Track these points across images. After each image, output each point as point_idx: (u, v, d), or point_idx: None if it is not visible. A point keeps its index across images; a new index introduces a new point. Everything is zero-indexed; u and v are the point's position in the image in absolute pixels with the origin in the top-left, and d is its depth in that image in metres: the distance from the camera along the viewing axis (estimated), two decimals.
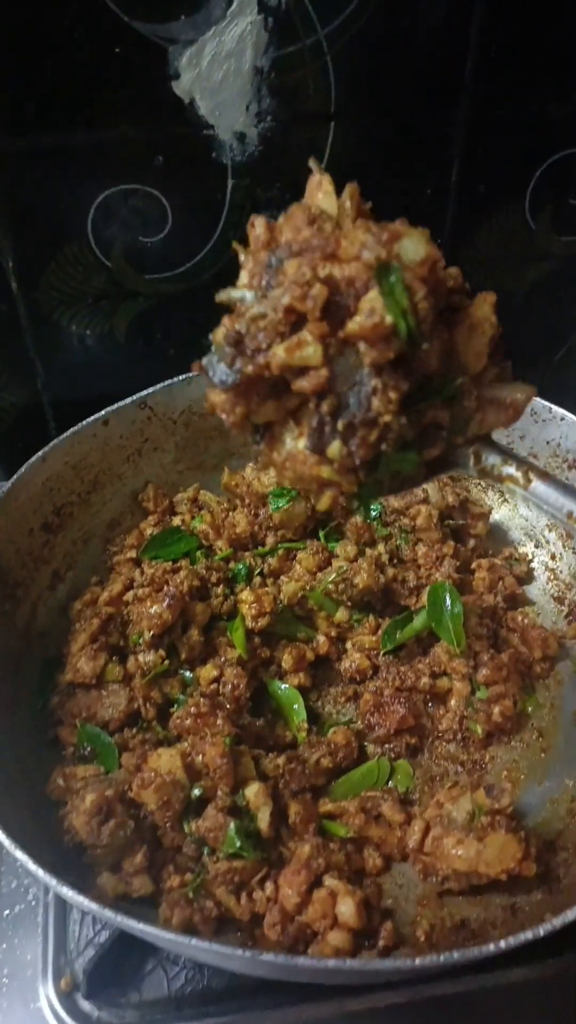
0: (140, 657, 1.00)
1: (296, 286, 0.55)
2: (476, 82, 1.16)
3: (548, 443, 1.14)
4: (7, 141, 1.10)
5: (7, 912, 0.97)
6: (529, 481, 0.64)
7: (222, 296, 0.60)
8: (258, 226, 0.63)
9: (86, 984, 0.87)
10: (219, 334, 0.59)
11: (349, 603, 1.07)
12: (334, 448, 0.57)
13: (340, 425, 0.56)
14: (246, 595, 1.06)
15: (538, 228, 1.32)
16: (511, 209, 1.30)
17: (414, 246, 0.55)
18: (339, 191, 0.65)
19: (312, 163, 0.68)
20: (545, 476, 0.63)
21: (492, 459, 0.65)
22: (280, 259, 0.57)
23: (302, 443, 0.59)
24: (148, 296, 1.28)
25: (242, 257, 0.62)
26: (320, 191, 0.65)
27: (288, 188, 1.19)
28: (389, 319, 0.53)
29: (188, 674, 1.01)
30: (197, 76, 1.08)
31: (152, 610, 1.00)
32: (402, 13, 1.08)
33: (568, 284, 1.41)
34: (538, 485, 0.63)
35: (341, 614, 1.07)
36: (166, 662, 0.99)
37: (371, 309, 0.53)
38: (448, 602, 1.02)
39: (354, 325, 0.54)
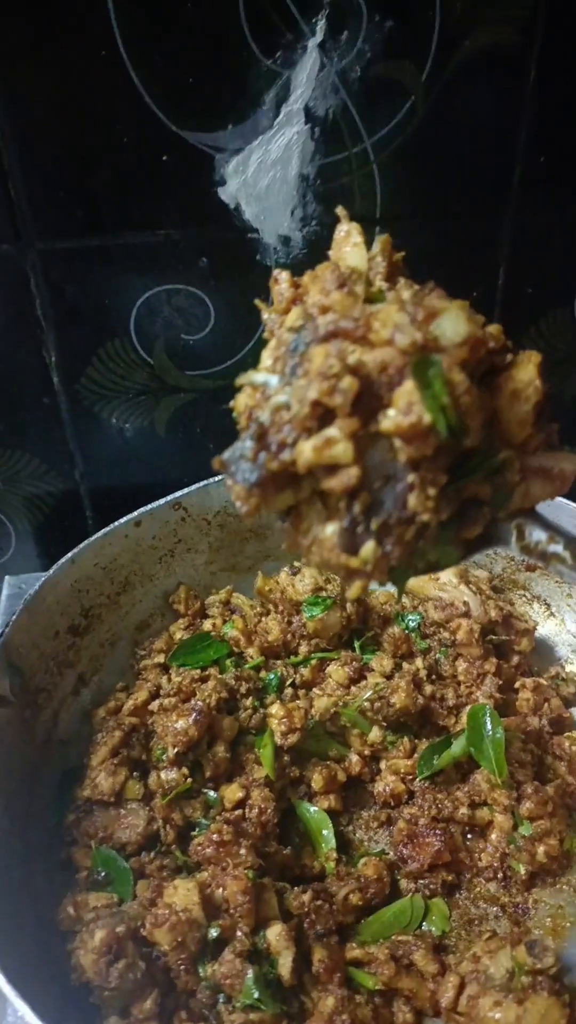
0: (162, 774, 0.95)
1: (323, 378, 0.49)
2: (525, 188, 1.15)
3: None
4: (56, 242, 1.11)
5: None
6: None
7: (243, 380, 0.55)
8: (282, 282, 0.57)
9: None
10: (240, 403, 0.53)
11: (384, 723, 1.01)
12: (368, 549, 0.51)
13: (374, 524, 0.50)
14: (276, 710, 1.01)
15: None
16: (559, 311, 1.28)
17: (453, 325, 0.49)
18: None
19: (339, 212, 0.62)
20: None
21: (537, 535, 0.58)
22: (305, 342, 0.51)
23: (330, 529, 0.52)
24: (189, 391, 1.28)
25: (264, 315, 0.57)
26: (348, 243, 0.60)
27: None
28: (428, 418, 0.47)
29: (212, 793, 0.96)
30: (243, 183, 1.08)
31: (178, 725, 0.95)
32: (449, 122, 1.08)
33: None
34: None
35: (375, 734, 1.01)
36: (189, 780, 0.94)
37: (408, 405, 0.47)
38: (489, 726, 0.96)
39: (388, 423, 0.48)
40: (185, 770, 0.95)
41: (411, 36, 1.01)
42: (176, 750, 0.95)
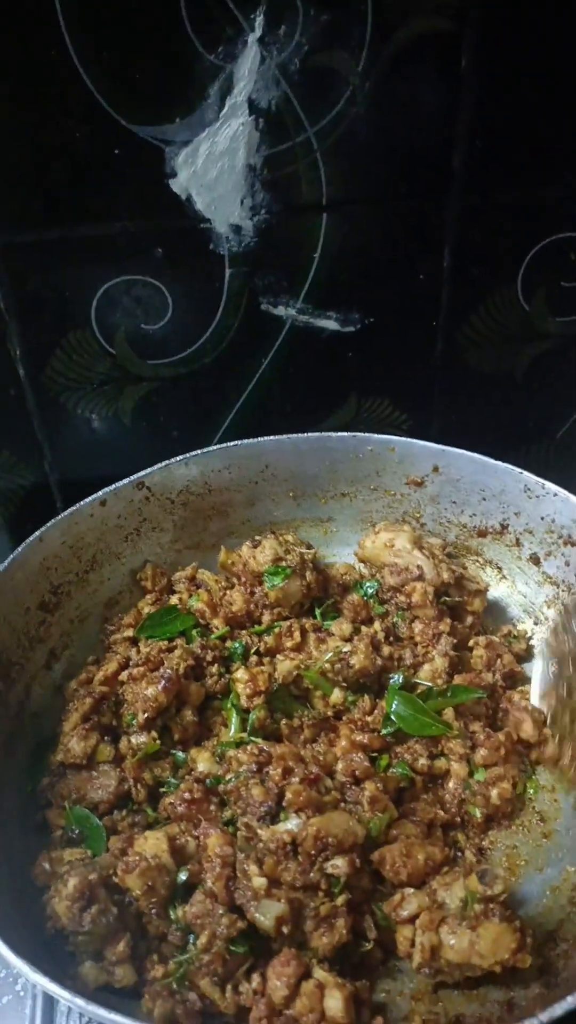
0: (133, 739, 0.99)
1: None
2: (466, 171, 1.20)
3: (542, 519, 1.14)
4: (16, 235, 1.15)
5: None
6: None
7: None
8: None
9: None
10: None
11: (344, 684, 1.05)
12: None
13: None
14: (240, 674, 1.05)
15: (532, 309, 1.35)
16: (505, 291, 1.33)
17: None
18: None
19: None
20: None
21: None
22: None
23: None
24: (152, 380, 1.32)
25: None
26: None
27: (283, 276, 1.23)
28: None
29: (180, 754, 1.00)
30: (193, 174, 1.13)
31: (147, 692, 0.99)
32: (388, 109, 1.13)
33: (567, 362, 1.43)
34: None
35: (336, 695, 1.05)
36: (157, 742, 0.99)
37: None
38: (401, 707, 1.01)
39: None
40: (155, 734, 0.99)
41: (346, 28, 1.06)
42: (146, 715, 0.99)
